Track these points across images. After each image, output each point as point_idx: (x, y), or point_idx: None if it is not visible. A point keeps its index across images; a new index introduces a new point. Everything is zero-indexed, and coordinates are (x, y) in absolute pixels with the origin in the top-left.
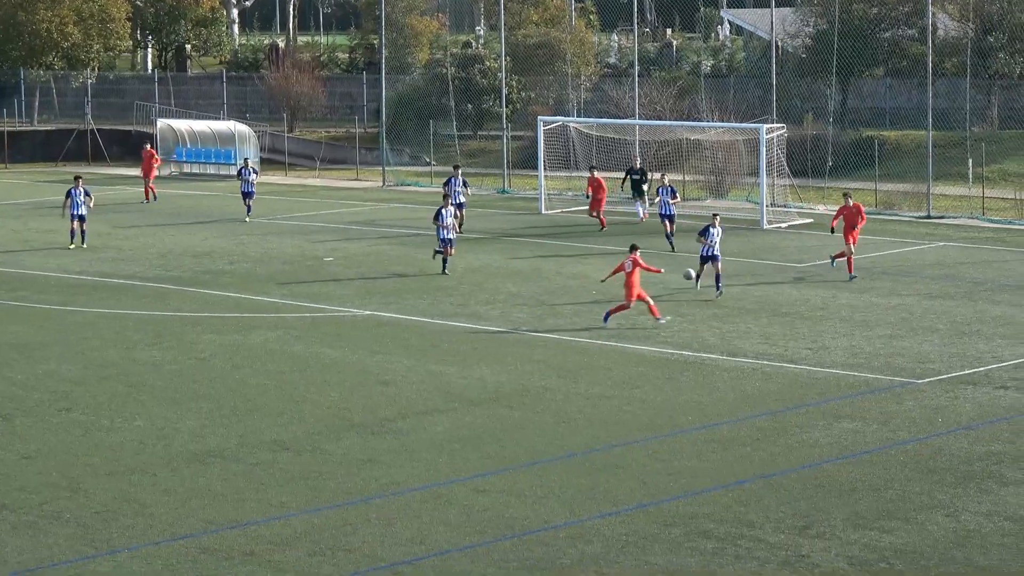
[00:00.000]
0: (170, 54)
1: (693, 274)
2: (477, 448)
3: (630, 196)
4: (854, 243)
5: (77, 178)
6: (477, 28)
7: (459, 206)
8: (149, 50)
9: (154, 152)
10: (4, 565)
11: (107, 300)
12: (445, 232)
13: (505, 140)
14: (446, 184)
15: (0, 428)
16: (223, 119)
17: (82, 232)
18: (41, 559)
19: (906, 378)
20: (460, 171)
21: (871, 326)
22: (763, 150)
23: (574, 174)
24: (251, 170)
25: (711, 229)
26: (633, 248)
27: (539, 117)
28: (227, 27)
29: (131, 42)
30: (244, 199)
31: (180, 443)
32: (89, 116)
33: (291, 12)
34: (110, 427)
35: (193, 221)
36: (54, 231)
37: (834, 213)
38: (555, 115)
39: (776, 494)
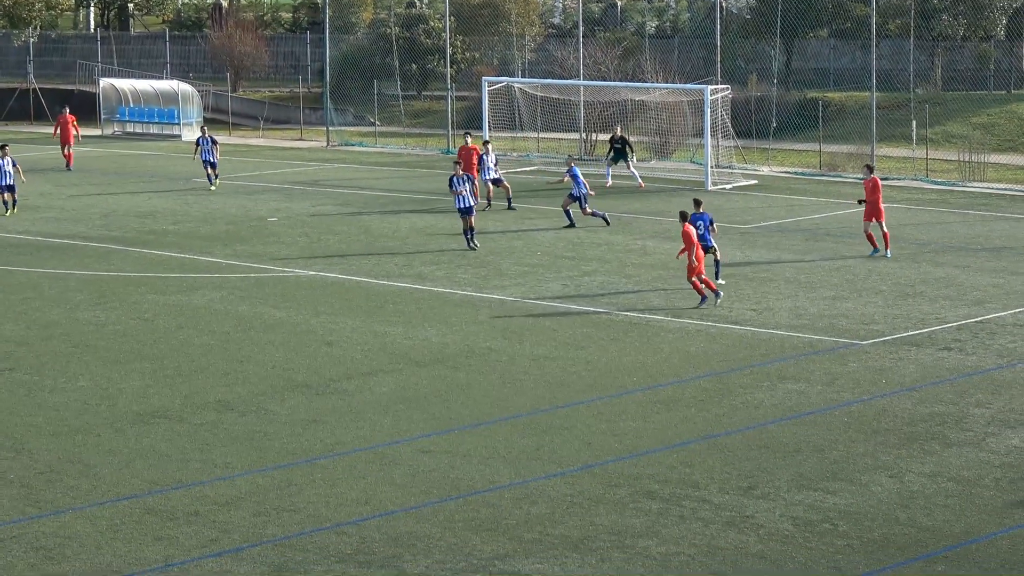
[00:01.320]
0: (112, 13)
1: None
2: (422, 409)
3: (609, 162)
4: (880, 219)
5: (2, 146)
6: None
7: (495, 182)
8: (92, 8)
9: (72, 118)
10: None
11: (49, 260)
12: (461, 201)
13: (450, 100)
14: (462, 152)
15: None
16: (166, 78)
17: (13, 201)
18: None
19: (850, 339)
20: (491, 146)
21: (815, 287)
22: (707, 111)
23: (519, 135)
24: (208, 139)
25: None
26: (684, 216)
27: (484, 78)
28: None
29: (73, 0)
30: (205, 167)
31: (124, 403)
32: (31, 75)
33: None
34: (53, 387)
35: (136, 181)
36: None
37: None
38: (500, 75)
39: (720, 455)
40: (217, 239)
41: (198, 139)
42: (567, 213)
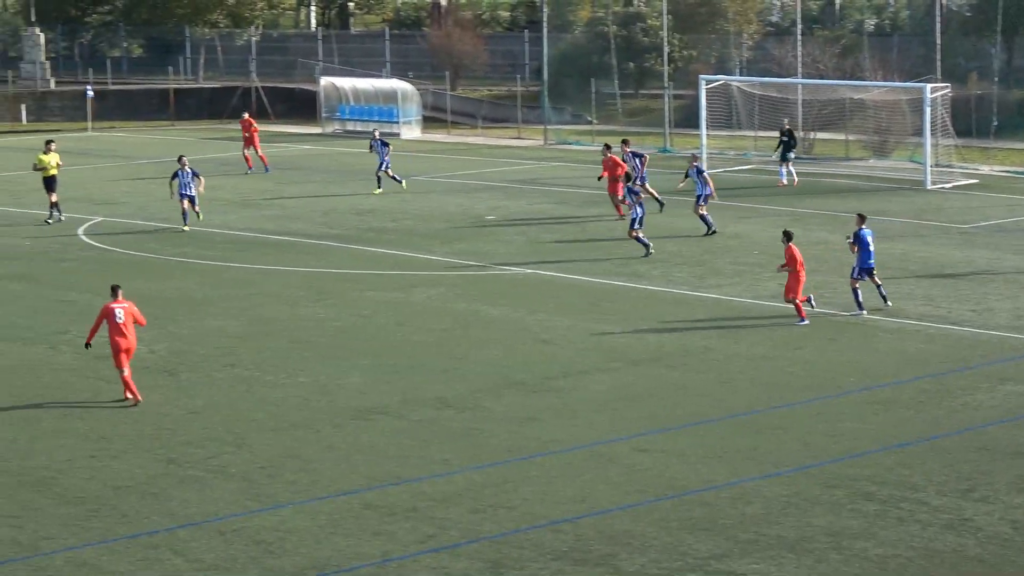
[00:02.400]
0: (333, 12)
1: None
2: (638, 407)
3: (780, 159)
4: None
5: (181, 158)
6: None
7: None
8: (312, 8)
9: (252, 120)
10: (171, 518)
11: (270, 257)
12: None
13: (667, 99)
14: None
15: (166, 383)
16: (386, 77)
17: (195, 212)
18: (207, 512)
19: None
20: (699, 160)
21: None
22: (927, 110)
23: (736, 133)
24: (380, 142)
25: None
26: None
27: (701, 76)
28: None
29: (295, 0)
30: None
31: (343, 399)
32: (254, 74)
33: None
34: (274, 383)
35: (355, 179)
36: (218, 187)
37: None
38: (717, 73)
39: (939, 457)
40: (435, 237)
41: (371, 143)
42: (703, 218)
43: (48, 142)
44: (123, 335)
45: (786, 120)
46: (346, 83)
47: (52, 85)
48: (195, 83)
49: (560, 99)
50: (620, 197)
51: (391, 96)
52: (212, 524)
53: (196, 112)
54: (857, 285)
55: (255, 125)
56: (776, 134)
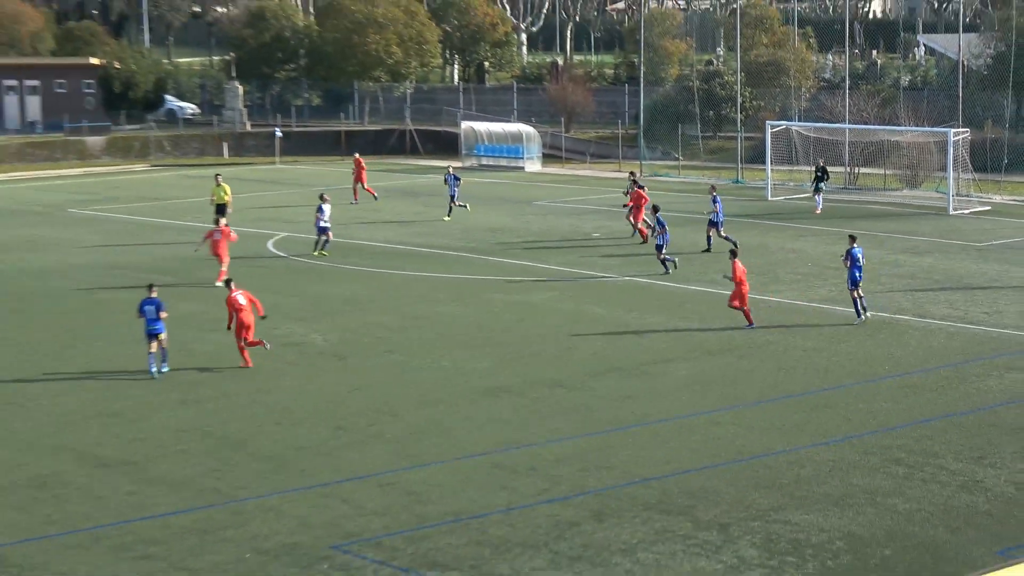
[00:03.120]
0: (472, 69)
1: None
2: (713, 389)
3: (814, 190)
4: None
5: (321, 195)
6: (718, 49)
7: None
8: (455, 66)
9: (360, 160)
10: (339, 473)
11: (418, 265)
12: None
13: (739, 140)
14: (632, 196)
15: (337, 366)
16: (513, 121)
17: (325, 242)
18: (368, 469)
19: None
20: (716, 190)
21: None
22: (951, 150)
23: (795, 168)
24: (453, 176)
25: (855, 250)
26: (734, 254)
27: (767, 121)
28: (517, 48)
29: (441, 60)
30: (451, 200)
31: (476, 380)
32: (408, 119)
33: (568, 36)
34: (421, 366)
35: (488, 203)
36: (379, 209)
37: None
38: (780, 119)
39: (956, 430)
40: (551, 250)
41: (445, 176)
42: (708, 239)
43: (216, 175)
44: (245, 313)
45: (821, 160)
46: (481, 126)
47: (248, 127)
48: (361, 126)
49: (653, 140)
50: (640, 223)
51: (517, 137)
52: (372, 478)
53: (362, 149)
54: (855, 295)
55: (363, 165)
56: (813, 169)
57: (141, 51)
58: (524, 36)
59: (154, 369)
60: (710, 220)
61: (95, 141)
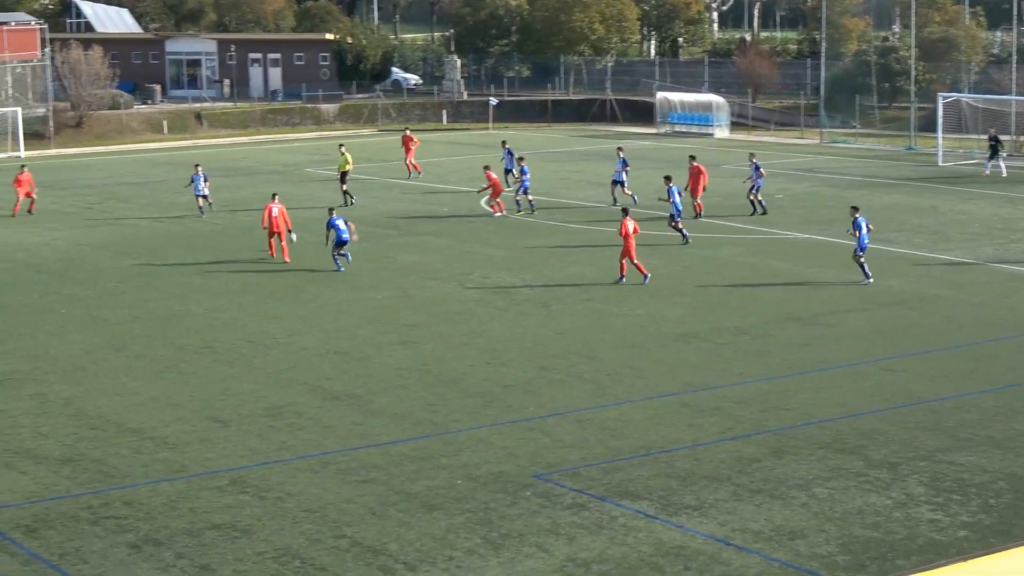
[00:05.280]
0: (667, 44)
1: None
2: (886, 338)
3: (989, 156)
4: None
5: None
6: (893, 26)
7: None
8: (652, 42)
9: (412, 136)
10: (541, 408)
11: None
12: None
13: (912, 110)
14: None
15: (541, 312)
16: (704, 92)
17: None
18: (567, 406)
19: None
20: (756, 157)
21: None
22: None
23: (964, 136)
24: (623, 160)
25: (859, 220)
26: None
27: (939, 93)
28: (708, 25)
29: (639, 36)
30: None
31: (667, 327)
32: (608, 89)
33: (755, 14)
34: (618, 313)
35: (681, 167)
36: (579, 171)
37: None
38: (951, 91)
39: None
40: (737, 209)
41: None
42: (754, 203)
43: (340, 145)
44: (275, 222)
45: (992, 128)
46: (675, 96)
47: (464, 96)
48: (566, 96)
49: (833, 109)
50: (699, 198)
51: (707, 106)
52: (571, 414)
53: (566, 117)
54: (861, 260)
55: (414, 140)
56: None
57: (371, 28)
58: (715, 14)
59: (341, 267)
60: (753, 185)
61: (329, 108)
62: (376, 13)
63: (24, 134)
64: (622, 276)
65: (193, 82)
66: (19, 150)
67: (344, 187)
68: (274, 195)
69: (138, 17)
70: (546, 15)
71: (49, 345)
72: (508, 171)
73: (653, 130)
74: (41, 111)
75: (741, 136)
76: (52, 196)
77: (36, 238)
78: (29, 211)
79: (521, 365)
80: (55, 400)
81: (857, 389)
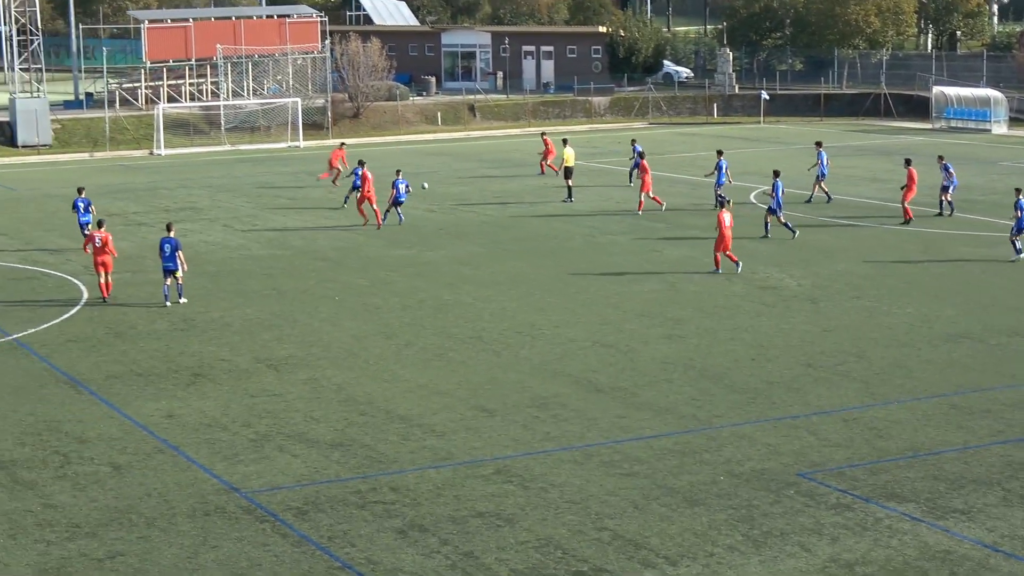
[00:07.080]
0: (944, 38)
1: None
2: None
3: None
4: None
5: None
6: None
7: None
8: (929, 35)
9: (549, 140)
10: (807, 407)
11: (884, 219)
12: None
13: None
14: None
15: (809, 308)
16: (982, 87)
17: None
18: (834, 404)
19: None
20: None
21: None
22: None
23: None
24: (822, 157)
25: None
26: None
27: None
28: (988, 17)
29: (916, 29)
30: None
31: (939, 327)
32: (883, 83)
33: None
34: (888, 312)
35: (958, 163)
36: (852, 167)
37: None
38: None
39: None
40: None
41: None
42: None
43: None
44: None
45: None
46: (951, 91)
47: (736, 90)
48: (839, 90)
49: None
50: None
51: (985, 101)
52: (837, 413)
53: (838, 111)
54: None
55: (551, 145)
56: None
57: (643, 20)
58: (995, 7)
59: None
60: (943, 186)
61: (600, 101)
62: (649, 6)
63: (303, 124)
64: (717, 268)
65: (467, 74)
66: (298, 140)
67: (569, 182)
68: (364, 166)
69: (415, 10)
70: (821, 7)
71: (323, 331)
72: (633, 170)
73: (928, 125)
74: (320, 102)
75: (1021, 132)
76: (327, 186)
77: (311, 226)
78: (333, 182)
79: (787, 362)
80: (327, 385)
81: None
